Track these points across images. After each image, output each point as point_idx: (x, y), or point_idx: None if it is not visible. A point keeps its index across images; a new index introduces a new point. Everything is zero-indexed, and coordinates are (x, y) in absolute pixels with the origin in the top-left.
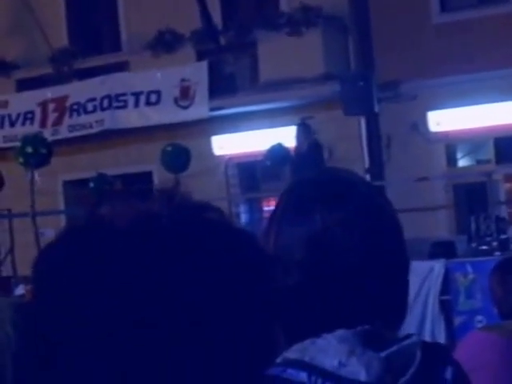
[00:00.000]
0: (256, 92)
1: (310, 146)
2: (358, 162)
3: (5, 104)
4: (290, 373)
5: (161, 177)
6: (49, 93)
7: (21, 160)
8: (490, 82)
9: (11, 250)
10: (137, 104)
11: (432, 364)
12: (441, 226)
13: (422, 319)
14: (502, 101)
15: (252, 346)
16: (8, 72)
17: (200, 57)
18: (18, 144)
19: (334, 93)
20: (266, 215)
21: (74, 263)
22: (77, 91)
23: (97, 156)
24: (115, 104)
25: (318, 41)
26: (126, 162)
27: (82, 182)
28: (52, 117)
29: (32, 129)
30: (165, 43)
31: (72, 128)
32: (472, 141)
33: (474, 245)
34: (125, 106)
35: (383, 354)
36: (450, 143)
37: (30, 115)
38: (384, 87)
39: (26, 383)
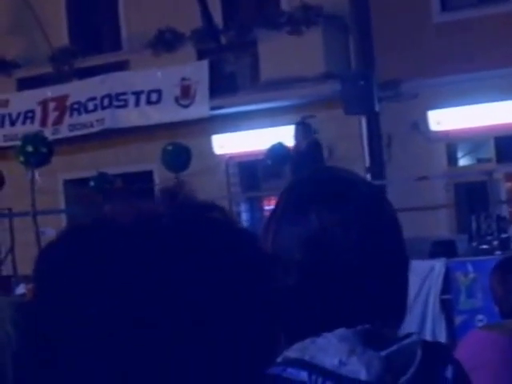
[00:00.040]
0: (256, 91)
1: (310, 144)
2: (359, 161)
3: (5, 103)
4: (291, 372)
5: (161, 176)
6: (49, 92)
7: (21, 159)
8: (490, 81)
9: (12, 249)
10: (137, 103)
11: (432, 363)
12: (441, 225)
13: (423, 318)
14: (502, 100)
15: (253, 346)
16: (8, 71)
17: (200, 56)
18: (18, 143)
19: (335, 92)
20: (267, 214)
21: (75, 262)
22: (77, 90)
23: (97, 155)
24: (116, 103)
25: (318, 40)
26: (127, 161)
27: (83, 181)
28: (52, 116)
29: (32, 128)
30: (165, 42)
31: (72, 127)
32: (472, 140)
33: (474, 244)
34: (125, 105)
35: (383, 353)
36: (451, 142)
37: (30, 114)
38: (384, 86)
39: (27, 383)
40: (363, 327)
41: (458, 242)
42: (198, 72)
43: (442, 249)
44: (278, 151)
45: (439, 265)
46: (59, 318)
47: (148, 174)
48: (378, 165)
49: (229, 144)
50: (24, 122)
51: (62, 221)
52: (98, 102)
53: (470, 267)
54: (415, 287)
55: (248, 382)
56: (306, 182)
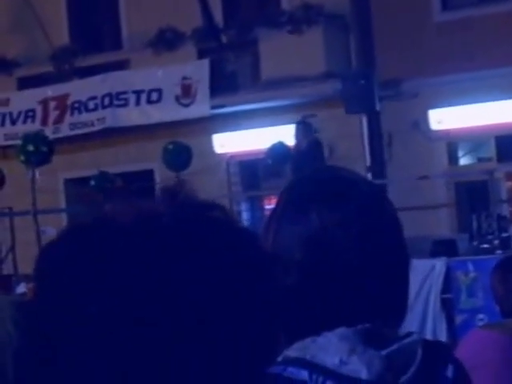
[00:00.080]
0: (257, 90)
1: (310, 144)
2: (360, 161)
3: (6, 102)
4: (291, 371)
5: (162, 175)
6: (50, 91)
7: (22, 158)
8: (491, 81)
9: (12, 248)
10: (138, 102)
11: (433, 362)
12: (442, 225)
13: (424, 318)
14: (503, 99)
15: (253, 345)
16: (9, 70)
17: (201, 55)
18: (19, 142)
19: (336, 91)
20: (267, 213)
21: (76, 261)
22: (78, 89)
23: (98, 154)
24: (116, 102)
25: (319, 39)
26: (127, 160)
27: (83, 180)
28: (53, 115)
29: (33, 127)
30: (166, 41)
31: (73, 126)
32: (473, 139)
33: (475, 243)
34: (126, 104)
35: (384, 353)
36: (452, 141)
37: (31, 113)
38: (385, 85)
39: (27, 381)
40: (364, 326)
41: (459, 241)
42: (199, 71)
43: (443, 248)
44: (278, 150)
45: (440, 264)
46: (60, 317)
47: (149, 173)
48: (378, 164)
49: (229, 143)
50: (25, 121)
51: (63, 220)
52: (98, 101)
53: (470, 266)
54: (416, 286)
55: (248, 381)
56: (306, 182)
